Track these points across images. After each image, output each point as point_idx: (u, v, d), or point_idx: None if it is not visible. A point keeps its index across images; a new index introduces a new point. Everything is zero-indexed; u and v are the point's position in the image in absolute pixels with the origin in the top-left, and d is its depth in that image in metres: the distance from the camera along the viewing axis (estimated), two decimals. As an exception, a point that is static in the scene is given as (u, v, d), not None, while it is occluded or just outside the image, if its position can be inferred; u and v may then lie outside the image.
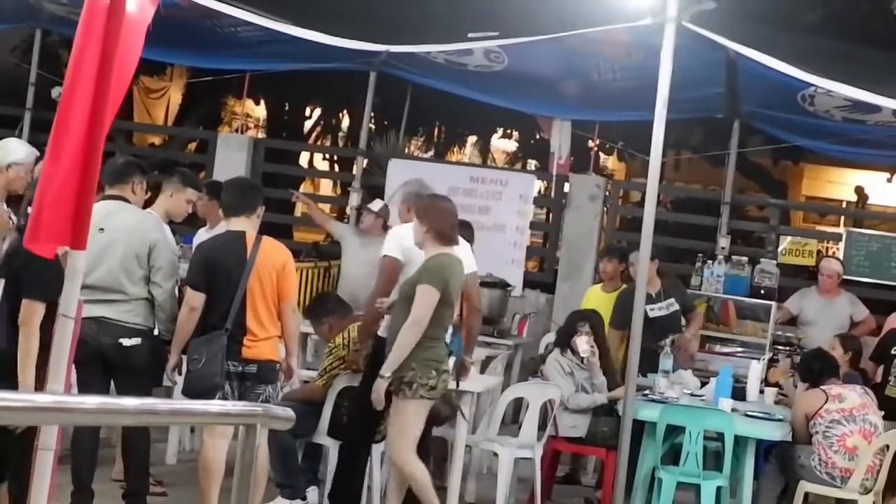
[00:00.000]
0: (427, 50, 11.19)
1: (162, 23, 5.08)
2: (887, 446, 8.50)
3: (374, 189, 13.29)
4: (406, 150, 19.06)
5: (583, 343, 9.13)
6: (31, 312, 5.97)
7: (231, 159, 13.78)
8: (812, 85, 9.85)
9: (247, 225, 7.48)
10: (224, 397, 7.17)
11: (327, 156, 25.34)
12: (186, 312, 7.35)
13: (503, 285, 11.58)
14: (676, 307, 10.37)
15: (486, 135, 24.47)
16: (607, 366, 9.33)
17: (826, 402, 8.55)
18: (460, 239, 8.23)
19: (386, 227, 10.97)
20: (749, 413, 8.81)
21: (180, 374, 7.52)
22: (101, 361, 7.40)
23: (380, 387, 7.34)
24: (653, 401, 8.83)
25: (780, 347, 10.39)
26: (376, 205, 11.32)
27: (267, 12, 10.67)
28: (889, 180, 21.49)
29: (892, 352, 10.11)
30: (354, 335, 8.22)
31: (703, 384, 9.58)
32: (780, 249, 12.88)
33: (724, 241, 12.67)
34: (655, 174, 8.26)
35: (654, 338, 9.57)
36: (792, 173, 23.31)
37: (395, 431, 7.45)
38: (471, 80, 12.05)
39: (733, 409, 8.72)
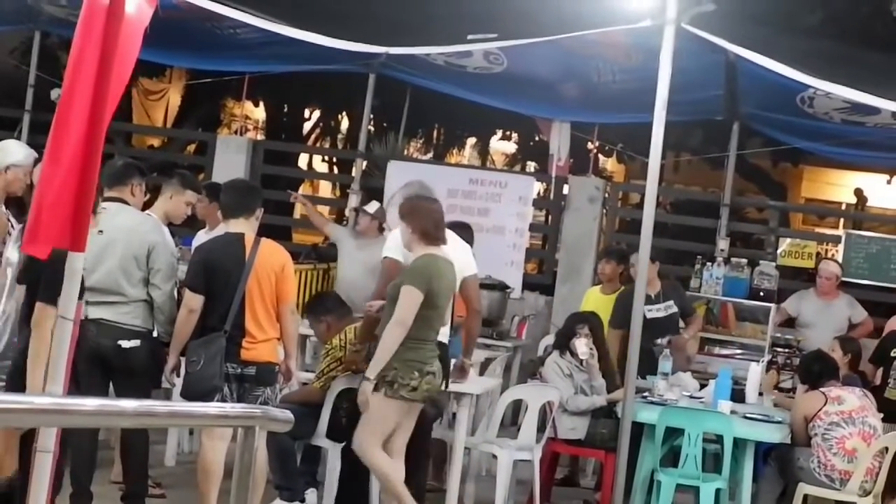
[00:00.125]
0: (426, 52, 11.19)
1: (161, 25, 5.09)
2: (886, 448, 8.50)
3: (373, 191, 13.29)
4: (405, 152, 19.03)
5: (582, 345, 9.13)
6: (45, 316, 5.94)
7: (230, 161, 13.78)
8: (811, 87, 9.85)
9: (245, 227, 7.48)
10: (223, 399, 7.17)
11: (326, 157, 25.33)
12: (185, 314, 7.35)
13: (502, 287, 11.57)
14: (675, 310, 10.36)
15: (485, 137, 24.45)
16: (606, 368, 9.33)
17: (825, 405, 8.55)
18: (458, 240, 8.23)
19: (382, 229, 10.98)
20: (748, 415, 8.81)
21: (179, 375, 7.52)
22: (100, 363, 7.40)
23: (366, 389, 7.36)
24: (652, 403, 8.83)
25: (779, 349, 10.38)
26: (372, 206, 11.32)
27: (266, 14, 10.68)
28: (888, 182, 21.47)
29: (892, 354, 10.10)
30: (351, 336, 8.21)
31: (703, 386, 9.57)
32: (779, 251, 12.87)
33: (723, 243, 12.66)
34: (655, 176, 8.26)
35: (651, 338, 9.57)
36: (791, 175, 23.30)
37: (363, 423, 7.46)
38: (470, 81, 12.05)
39: (732, 412, 8.72)
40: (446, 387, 7.82)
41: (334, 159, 24.41)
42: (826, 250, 14.06)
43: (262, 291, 7.35)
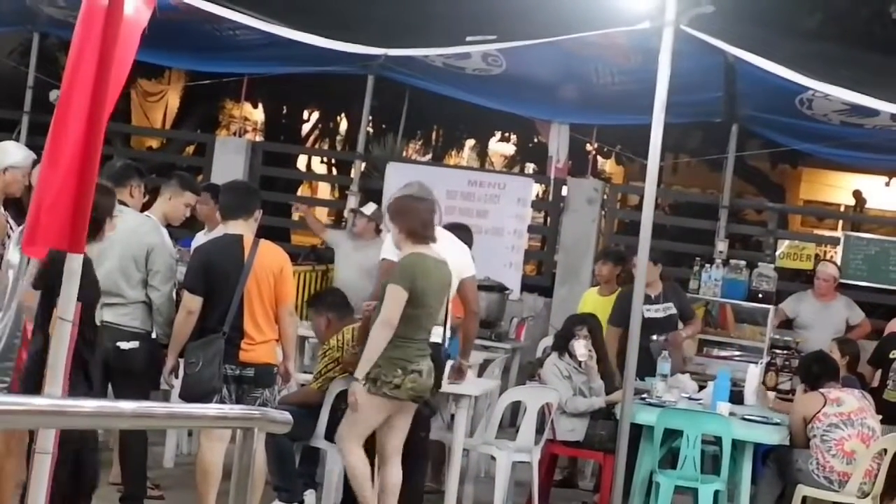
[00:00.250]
0: (425, 53, 11.20)
1: (161, 26, 5.09)
2: (885, 450, 8.50)
3: (371, 192, 13.29)
4: (404, 154, 19.06)
5: (581, 347, 9.13)
6: None
7: (229, 162, 13.77)
8: (810, 89, 9.87)
9: (244, 228, 7.48)
10: (221, 401, 7.17)
11: (325, 159, 25.32)
12: (184, 316, 7.35)
13: (501, 289, 11.57)
14: (674, 312, 10.35)
15: (484, 138, 24.44)
16: (605, 370, 9.32)
17: (824, 406, 8.55)
18: (455, 241, 8.23)
19: (378, 231, 10.97)
20: (747, 417, 8.81)
21: (177, 377, 7.52)
22: (99, 364, 7.39)
23: (355, 389, 7.37)
24: (650, 404, 8.82)
25: (777, 351, 10.37)
26: (368, 208, 11.32)
27: (265, 16, 10.69)
28: (887, 184, 21.47)
29: (891, 356, 10.10)
30: (349, 337, 8.21)
31: (701, 388, 9.57)
32: (778, 253, 12.87)
33: (722, 245, 12.66)
34: (653, 178, 8.25)
35: (647, 337, 9.57)
36: (790, 177, 23.30)
37: (346, 417, 7.47)
38: (469, 83, 12.06)
39: (731, 413, 8.72)
40: (439, 387, 7.78)
41: (333, 161, 24.40)
42: (825, 252, 14.06)
43: (261, 293, 7.35)
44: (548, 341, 10.90)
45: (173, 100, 23.35)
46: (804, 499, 8.56)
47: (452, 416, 8.67)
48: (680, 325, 10.52)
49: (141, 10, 4.56)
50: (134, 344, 7.45)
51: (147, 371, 7.55)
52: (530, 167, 23.01)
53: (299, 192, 21.35)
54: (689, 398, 9.33)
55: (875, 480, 8.45)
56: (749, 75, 10.17)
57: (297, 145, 21.53)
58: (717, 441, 8.49)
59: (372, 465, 7.60)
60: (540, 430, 8.89)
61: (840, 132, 11.18)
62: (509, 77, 11.52)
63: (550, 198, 13.99)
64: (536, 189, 14.94)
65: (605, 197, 13.52)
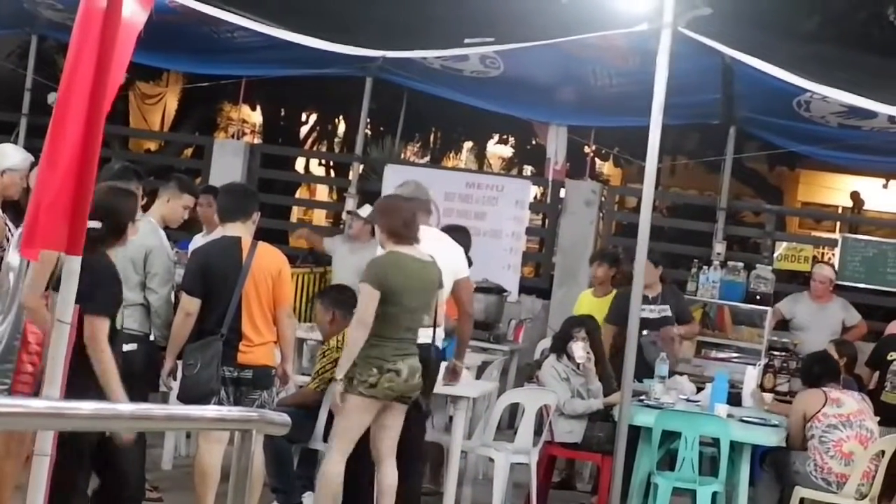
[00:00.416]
0: (423, 55, 11.21)
1: (159, 28, 5.09)
2: (883, 452, 8.51)
3: (370, 194, 13.29)
4: (402, 156, 19.06)
5: (579, 349, 9.12)
6: (98, 328, 5.94)
7: (227, 165, 13.78)
8: (808, 91, 9.87)
9: (242, 230, 7.48)
10: (220, 403, 7.16)
11: (323, 161, 25.31)
12: (182, 318, 7.35)
13: (499, 290, 11.57)
14: (669, 314, 10.35)
15: (482, 140, 24.43)
16: (603, 372, 9.32)
17: (825, 405, 8.55)
18: (449, 242, 8.23)
19: (374, 233, 10.96)
20: (745, 418, 8.82)
21: (175, 379, 7.52)
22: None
23: (335, 390, 7.37)
24: (648, 406, 8.84)
25: (775, 353, 10.38)
26: (364, 210, 11.32)
27: (263, 18, 10.70)
28: (885, 186, 21.47)
29: (888, 357, 10.11)
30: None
31: (699, 389, 9.58)
32: (775, 255, 12.88)
33: (719, 247, 12.67)
34: (651, 180, 8.26)
35: (638, 335, 9.60)
36: (788, 179, 23.30)
37: (334, 424, 7.47)
38: (467, 85, 12.07)
39: (729, 415, 8.73)
40: (429, 388, 7.75)
41: (331, 163, 24.39)
42: (822, 254, 14.06)
43: (259, 295, 7.35)
44: (546, 343, 10.90)
45: (171, 102, 23.33)
46: (802, 500, 8.56)
47: (450, 418, 8.66)
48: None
49: (138, 12, 4.57)
50: (132, 346, 7.43)
51: (145, 373, 7.54)
52: (528, 169, 23.01)
53: (297, 195, 21.35)
54: (687, 400, 9.35)
55: (873, 482, 8.46)
56: (747, 77, 10.18)
57: (295, 147, 21.54)
58: (715, 443, 8.50)
59: (368, 468, 7.59)
60: (538, 432, 8.90)
61: (838, 134, 11.19)
62: (507, 79, 11.53)
63: (548, 200, 13.99)
64: (534, 191, 14.93)
65: (603, 199, 13.52)
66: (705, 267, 12.03)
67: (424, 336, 7.59)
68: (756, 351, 11.39)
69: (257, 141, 22.61)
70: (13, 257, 6.73)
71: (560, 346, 9.28)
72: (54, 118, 4.44)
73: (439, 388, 8.15)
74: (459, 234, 9.72)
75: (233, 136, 20.14)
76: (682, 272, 12.50)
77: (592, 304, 10.56)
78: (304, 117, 23.66)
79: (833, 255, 13.15)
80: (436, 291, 7.59)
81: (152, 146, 22.17)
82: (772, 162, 18.09)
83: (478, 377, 9.86)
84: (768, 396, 9.61)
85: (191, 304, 7.32)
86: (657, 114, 8.09)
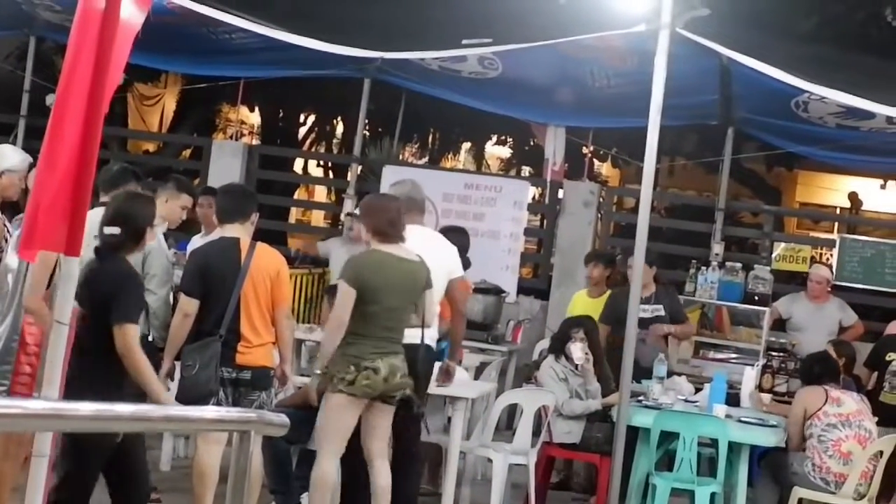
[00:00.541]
0: (421, 56, 11.21)
1: (157, 30, 5.10)
2: (881, 452, 8.52)
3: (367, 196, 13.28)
4: (400, 157, 19.07)
5: (577, 350, 9.13)
6: (131, 336, 5.95)
7: (225, 166, 13.79)
8: (806, 91, 9.87)
9: (241, 231, 7.48)
10: (218, 403, 7.16)
11: (322, 162, 25.32)
12: (180, 318, 7.35)
13: (497, 291, 11.57)
14: (662, 314, 10.36)
15: (480, 141, 24.44)
16: (601, 372, 9.33)
17: (825, 404, 8.56)
18: (443, 242, 8.22)
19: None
20: (743, 419, 8.83)
21: (174, 380, 7.51)
22: None
23: (311, 384, 7.41)
24: (647, 407, 8.84)
25: (773, 353, 10.39)
26: (362, 212, 11.32)
27: (261, 19, 10.69)
28: (883, 186, 21.49)
29: (887, 358, 10.12)
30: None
31: (697, 390, 9.59)
32: (773, 256, 12.88)
33: (718, 248, 12.68)
34: (649, 180, 8.26)
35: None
36: (786, 180, 23.30)
37: (318, 423, 7.47)
38: (465, 86, 12.07)
39: (727, 416, 8.74)
40: (421, 388, 7.73)
41: (329, 164, 24.41)
42: (820, 254, 14.07)
43: (258, 296, 7.35)
44: (544, 344, 10.91)
45: (170, 103, 23.34)
46: (800, 501, 8.57)
47: (449, 419, 8.67)
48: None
49: (135, 13, 4.57)
50: (131, 347, 7.43)
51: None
52: (526, 170, 23.02)
53: (296, 196, 21.35)
54: (686, 400, 9.35)
55: (871, 482, 8.47)
56: (745, 78, 10.18)
57: (293, 149, 21.55)
58: (714, 443, 8.50)
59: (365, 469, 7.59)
60: (536, 433, 8.90)
61: (836, 135, 11.19)
62: (505, 80, 11.53)
63: (547, 201, 14.01)
64: (533, 192, 14.94)
65: (602, 200, 13.53)
66: (703, 267, 12.03)
67: (412, 336, 7.56)
68: (754, 351, 11.39)
69: (256, 142, 22.63)
70: (11, 259, 6.73)
71: (558, 347, 9.29)
72: (52, 119, 4.44)
73: (436, 388, 8.15)
74: (458, 235, 9.72)
75: (231, 137, 20.15)
76: (681, 273, 12.50)
77: (587, 305, 10.58)
78: (302, 118, 23.66)
79: (831, 255, 13.16)
80: (421, 291, 7.53)
81: (151, 147, 22.18)
82: (770, 162, 18.08)
83: (476, 378, 9.87)
84: (766, 397, 9.61)
85: (189, 305, 7.31)
86: (655, 114, 8.09)
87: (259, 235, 7.72)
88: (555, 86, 11.82)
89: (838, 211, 23.39)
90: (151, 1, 4.75)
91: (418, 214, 8.17)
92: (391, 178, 13.05)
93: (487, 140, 24.14)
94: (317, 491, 7.35)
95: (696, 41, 9.07)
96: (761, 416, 9.09)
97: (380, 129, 19.04)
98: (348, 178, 14.35)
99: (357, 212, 11.28)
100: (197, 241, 9.57)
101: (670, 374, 9.82)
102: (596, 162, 21.52)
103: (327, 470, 7.33)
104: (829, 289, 11.65)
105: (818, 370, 8.95)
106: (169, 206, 8.06)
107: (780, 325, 11.67)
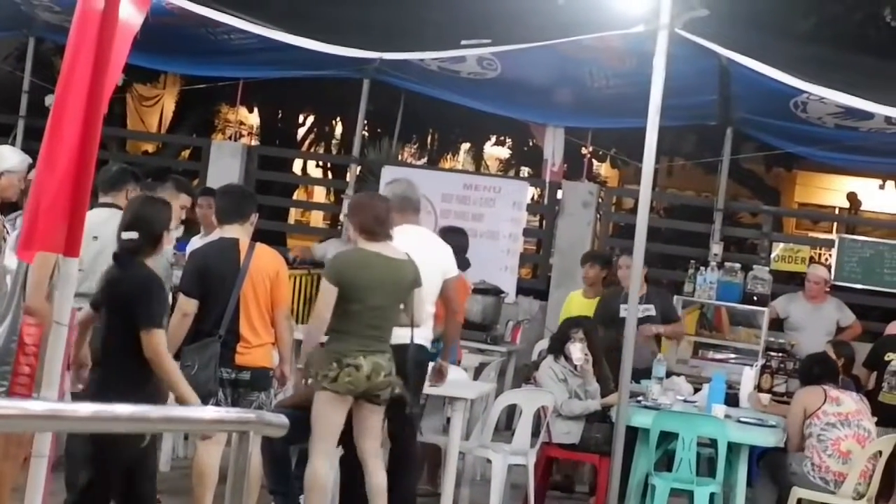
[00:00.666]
0: (420, 57, 11.21)
1: (156, 30, 5.10)
2: (880, 452, 8.52)
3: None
4: (399, 158, 19.08)
5: (577, 350, 9.13)
6: (159, 341, 5.98)
7: (224, 166, 13.79)
8: (805, 92, 9.88)
9: (240, 232, 7.48)
10: (217, 404, 7.16)
11: (321, 163, 25.34)
12: (179, 319, 7.34)
13: (496, 292, 11.57)
14: (652, 314, 10.36)
15: (479, 142, 24.47)
16: (600, 372, 9.33)
17: (824, 404, 8.56)
18: (437, 242, 8.21)
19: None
20: (742, 419, 8.83)
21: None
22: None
23: (294, 379, 7.49)
24: (646, 407, 8.85)
25: (772, 353, 10.38)
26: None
27: (260, 20, 10.69)
28: (881, 187, 21.49)
29: (886, 358, 10.13)
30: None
31: (696, 390, 9.59)
32: (772, 256, 12.88)
33: (716, 248, 12.68)
34: (648, 181, 8.26)
35: (620, 334, 9.62)
36: (784, 180, 23.32)
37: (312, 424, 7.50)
38: (464, 87, 12.07)
39: (726, 416, 8.75)
40: (413, 388, 7.72)
41: (328, 165, 24.43)
42: (819, 255, 14.08)
43: (257, 296, 7.35)
44: (543, 344, 10.90)
45: (169, 104, 23.36)
46: (799, 501, 8.57)
47: (448, 419, 8.67)
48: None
49: (134, 14, 4.57)
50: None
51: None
52: (525, 171, 23.05)
53: (295, 196, 21.36)
54: (685, 401, 9.36)
55: (870, 482, 8.47)
56: (743, 78, 10.18)
57: (292, 149, 21.57)
58: (713, 443, 8.51)
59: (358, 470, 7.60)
60: (536, 433, 8.90)
61: (834, 135, 11.20)
62: (504, 81, 11.53)
63: (545, 201, 14.01)
64: (532, 192, 14.95)
65: (601, 200, 13.53)
66: (702, 268, 12.02)
67: (401, 336, 7.53)
68: (753, 352, 11.39)
69: (255, 143, 22.64)
70: (10, 260, 6.73)
71: (558, 348, 9.29)
72: (51, 120, 4.44)
73: (430, 388, 8.14)
74: (457, 236, 9.72)
75: (230, 138, 20.18)
76: (680, 273, 12.51)
77: (582, 305, 10.59)
78: (301, 119, 23.68)
79: (830, 255, 13.16)
80: (409, 290, 7.49)
81: (150, 148, 22.18)
82: (769, 163, 18.09)
83: (475, 378, 9.87)
84: (765, 397, 9.61)
85: (188, 305, 7.31)
86: (654, 115, 8.10)
87: (258, 236, 7.72)
88: (554, 86, 11.83)
89: (837, 211, 23.42)
90: (150, 2, 4.76)
91: (413, 214, 8.16)
92: (390, 178, 13.06)
93: (486, 140, 24.16)
94: (311, 491, 7.35)
95: (694, 42, 9.08)
96: (760, 416, 9.10)
97: (379, 130, 19.04)
98: (347, 179, 14.35)
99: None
100: (196, 242, 9.57)
101: (669, 374, 9.82)
102: (595, 162, 21.55)
103: (319, 470, 7.33)
104: (828, 289, 11.66)
105: (817, 371, 8.95)
106: (168, 207, 8.05)
107: (776, 324, 11.67)
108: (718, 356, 11.69)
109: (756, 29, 11.56)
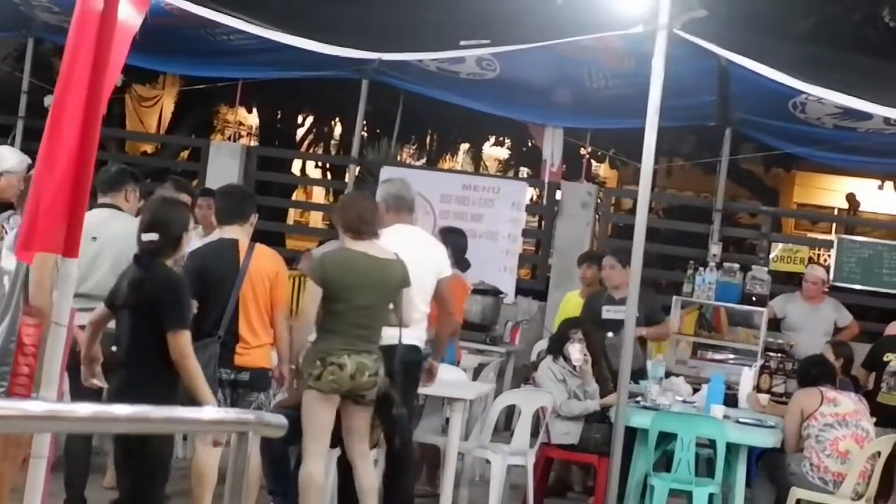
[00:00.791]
0: (419, 58, 11.21)
1: (155, 31, 5.10)
2: (879, 452, 8.52)
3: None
4: (398, 158, 19.06)
5: (576, 351, 9.13)
6: (186, 343, 6.01)
7: (223, 167, 13.79)
8: (803, 92, 9.89)
9: (240, 233, 7.48)
10: (216, 405, 7.16)
11: (320, 163, 25.35)
12: (178, 319, 7.34)
13: (495, 293, 11.58)
14: (635, 315, 10.32)
15: (478, 142, 24.49)
16: (599, 373, 9.33)
17: (821, 405, 8.57)
18: (431, 242, 8.21)
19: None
20: (741, 420, 8.83)
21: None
22: None
23: (288, 379, 7.50)
24: (645, 408, 8.85)
25: (771, 354, 10.38)
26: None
27: (259, 21, 10.70)
28: (880, 187, 21.50)
29: (885, 359, 10.14)
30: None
31: (695, 391, 9.59)
32: (771, 256, 12.89)
33: (715, 249, 12.68)
34: (647, 181, 8.27)
35: (604, 336, 9.65)
36: (783, 180, 23.34)
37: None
38: (463, 87, 12.07)
39: (725, 416, 8.75)
40: (405, 389, 7.71)
41: (327, 165, 24.44)
42: (818, 255, 14.09)
43: (257, 297, 7.35)
44: (542, 345, 10.90)
45: (168, 105, 23.36)
46: (798, 502, 8.57)
47: (447, 420, 8.67)
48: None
49: (133, 14, 4.57)
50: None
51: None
52: (524, 171, 23.08)
53: (294, 197, 21.36)
54: (684, 401, 9.36)
55: (869, 482, 8.47)
56: (742, 79, 10.18)
57: (291, 150, 21.59)
58: (712, 444, 8.51)
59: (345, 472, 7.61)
60: (535, 434, 8.90)
61: (833, 135, 11.20)
62: (503, 81, 11.53)
63: (544, 202, 14.02)
64: (530, 193, 14.96)
65: (599, 201, 13.54)
66: (701, 268, 12.03)
67: (389, 336, 7.51)
68: (752, 352, 11.39)
69: (254, 143, 22.65)
70: (7, 261, 6.73)
71: (557, 348, 9.29)
72: (51, 121, 4.44)
73: (422, 388, 8.14)
74: (456, 237, 9.73)
75: (229, 139, 20.20)
76: (678, 273, 12.52)
77: (579, 306, 10.60)
78: (300, 119, 23.70)
79: (829, 256, 13.17)
80: (396, 289, 7.46)
81: (149, 149, 22.19)
82: (767, 163, 18.10)
83: (474, 379, 9.87)
84: (764, 398, 9.61)
85: (187, 306, 7.32)
86: (653, 116, 8.10)
87: (257, 236, 7.72)
88: (553, 87, 11.83)
89: (836, 212, 23.44)
90: (149, 2, 4.76)
91: (407, 213, 8.14)
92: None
93: (485, 141, 24.19)
94: (304, 492, 7.35)
95: (693, 42, 9.08)
96: (759, 416, 9.10)
97: (378, 131, 19.05)
98: (346, 180, 14.35)
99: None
100: (196, 243, 9.57)
101: (668, 374, 9.82)
102: (594, 163, 21.57)
103: (311, 470, 7.33)
104: (826, 289, 11.67)
105: (815, 373, 8.95)
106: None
107: (774, 324, 11.67)
108: (717, 357, 11.69)
109: (755, 29, 11.57)
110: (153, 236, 6.15)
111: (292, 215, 23.61)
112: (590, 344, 9.26)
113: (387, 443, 7.80)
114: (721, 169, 13.05)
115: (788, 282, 13.17)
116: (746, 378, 9.67)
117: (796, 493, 8.52)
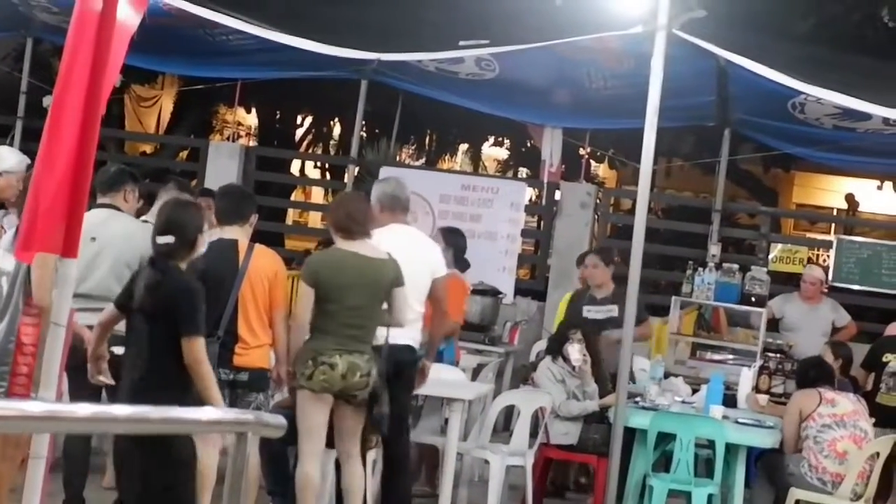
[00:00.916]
0: (418, 58, 11.21)
1: (154, 31, 5.10)
2: (878, 453, 8.52)
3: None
4: (397, 158, 19.05)
5: (575, 351, 9.13)
6: (200, 349, 6.00)
7: (222, 167, 13.78)
8: (803, 93, 9.88)
9: (239, 233, 7.48)
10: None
11: (319, 164, 25.35)
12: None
13: (494, 293, 11.58)
14: (615, 315, 10.30)
15: (477, 143, 24.51)
16: (598, 374, 9.33)
17: (819, 405, 8.57)
18: (426, 241, 8.20)
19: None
20: (740, 420, 8.83)
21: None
22: None
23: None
24: (644, 408, 8.85)
25: (770, 354, 10.39)
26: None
27: (258, 21, 10.69)
28: (879, 188, 21.51)
29: (884, 359, 10.14)
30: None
31: (694, 391, 9.59)
32: (770, 257, 12.89)
33: (714, 249, 12.68)
34: (646, 182, 8.27)
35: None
36: (782, 181, 23.34)
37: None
38: (462, 88, 12.07)
39: (724, 417, 8.75)
40: (400, 390, 7.70)
41: (326, 165, 24.44)
42: (817, 255, 14.09)
43: (256, 297, 7.35)
44: (541, 345, 10.90)
45: (167, 105, 23.36)
46: (797, 502, 8.57)
47: (446, 420, 8.67)
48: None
49: (131, 15, 4.57)
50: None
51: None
52: (523, 171, 23.07)
53: (293, 197, 21.36)
54: (683, 402, 9.36)
55: (868, 482, 8.47)
56: (741, 79, 10.19)
57: (290, 150, 21.59)
58: (711, 444, 8.51)
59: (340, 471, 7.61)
60: (533, 434, 8.90)
61: (832, 136, 11.21)
62: (502, 81, 11.53)
63: (544, 202, 14.02)
64: (530, 193, 14.96)
65: (599, 201, 13.54)
66: (700, 269, 12.02)
67: (380, 336, 7.50)
68: (751, 353, 11.38)
69: (252, 143, 22.65)
70: (7, 262, 6.72)
71: (556, 348, 9.29)
72: (50, 121, 4.44)
73: (426, 390, 8.13)
74: (455, 237, 9.73)
75: (228, 139, 20.19)
76: (678, 274, 12.51)
77: (576, 306, 10.60)
78: (299, 120, 23.70)
79: (828, 256, 13.18)
80: (389, 289, 7.43)
81: (148, 149, 22.17)
82: (766, 164, 18.10)
83: (473, 379, 9.87)
84: (763, 398, 9.62)
85: (187, 306, 7.31)
86: (652, 116, 8.10)
87: (256, 237, 7.72)
88: (552, 87, 11.83)
89: (835, 212, 23.44)
90: (147, 2, 4.76)
91: (402, 213, 8.12)
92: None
93: (484, 141, 24.20)
94: (300, 492, 7.35)
95: (692, 43, 9.08)
96: (758, 417, 9.10)
97: (377, 131, 19.05)
98: (345, 180, 14.35)
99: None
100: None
101: (667, 375, 9.82)
102: (593, 163, 21.57)
103: (307, 471, 7.32)
104: (825, 290, 11.67)
105: (813, 374, 8.96)
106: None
107: (773, 324, 11.68)
108: (716, 357, 11.68)
109: (754, 30, 11.57)
110: (169, 239, 6.15)
111: (291, 215, 23.61)
112: (589, 344, 9.26)
113: (384, 444, 7.80)
114: (720, 169, 13.05)
115: (788, 282, 13.16)
116: (745, 378, 9.67)
117: (795, 493, 8.52)
